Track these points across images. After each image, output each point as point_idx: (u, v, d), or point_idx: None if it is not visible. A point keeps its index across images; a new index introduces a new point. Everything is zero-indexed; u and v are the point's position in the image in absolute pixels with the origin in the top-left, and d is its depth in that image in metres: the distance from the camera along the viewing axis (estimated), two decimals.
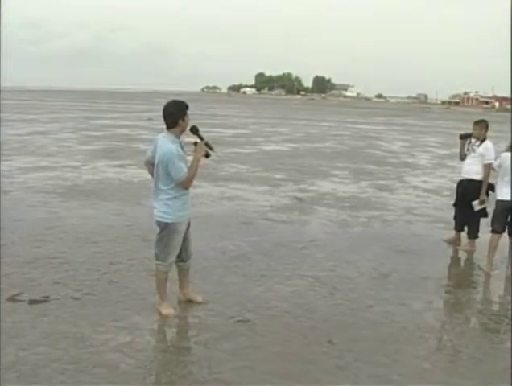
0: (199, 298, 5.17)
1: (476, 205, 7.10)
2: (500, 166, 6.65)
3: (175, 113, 4.68)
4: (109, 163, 13.85)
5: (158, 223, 4.82)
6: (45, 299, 5.08)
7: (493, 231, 6.62)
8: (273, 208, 9.37)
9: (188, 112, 4.78)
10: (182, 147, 4.75)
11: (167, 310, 4.89)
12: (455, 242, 7.59)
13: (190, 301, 5.14)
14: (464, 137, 7.56)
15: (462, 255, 7.31)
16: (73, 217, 8.12)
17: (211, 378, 3.90)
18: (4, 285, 5.34)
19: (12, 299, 5.05)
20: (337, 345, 4.48)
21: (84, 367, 3.93)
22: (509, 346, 4.56)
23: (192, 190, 10.70)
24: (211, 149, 4.83)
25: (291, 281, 5.88)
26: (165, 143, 4.65)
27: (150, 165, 4.88)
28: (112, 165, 13.60)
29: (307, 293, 5.58)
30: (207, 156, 4.80)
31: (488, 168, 7.06)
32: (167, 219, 4.74)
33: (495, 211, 6.65)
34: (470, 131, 7.52)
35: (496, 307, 5.59)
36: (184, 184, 4.70)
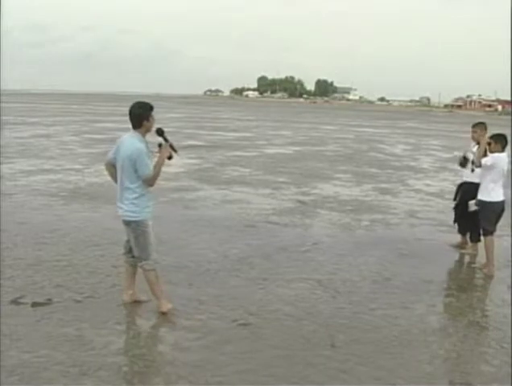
0: (143, 297, 5.16)
1: (472, 205, 7.07)
2: (493, 166, 6.52)
3: (140, 114, 4.81)
4: None
5: (128, 223, 4.86)
6: (48, 302, 5.09)
7: (488, 233, 6.63)
8: (275, 211, 9.37)
9: (153, 112, 4.89)
10: (147, 147, 4.83)
11: (166, 305, 4.93)
12: (462, 246, 7.54)
13: (136, 302, 5.14)
14: (464, 165, 7.45)
15: (465, 258, 7.29)
16: (76, 220, 8.13)
17: (213, 381, 3.90)
18: (7, 288, 5.35)
19: (15, 302, 5.06)
20: (340, 348, 4.47)
21: (86, 370, 3.93)
22: None
23: (194, 193, 10.72)
24: (175, 151, 4.96)
25: (293, 284, 5.88)
26: (133, 143, 4.75)
27: (111, 167, 4.97)
28: None
29: (309, 296, 5.57)
30: (169, 158, 4.92)
31: None
32: (136, 217, 4.80)
33: (487, 213, 6.64)
34: (468, 153, 7.41)
35: (499, 310, 5.56)
36: (150, 181, 4.79)
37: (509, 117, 43.84)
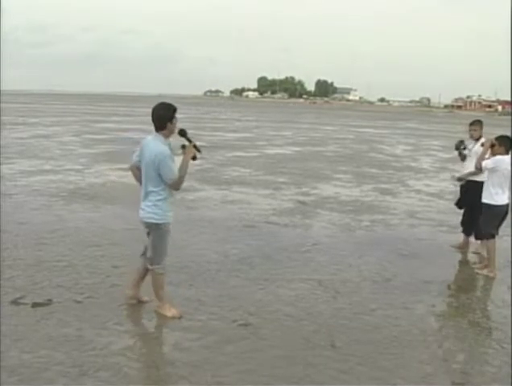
0: (145, 298, 5.16)
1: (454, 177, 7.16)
2: (494, 169, 6.47)
3: (164, 116, 4.72)
4: (112, 166, 13.87)
5: (149, 225, 4.82)
6: (48, 302, 5.08)
7: (490, 236, 6.60)
8: (276, 212, 9.37)
9: (178, 115, 4.80)
10: (171, 149, 4.78)
11: (171, 311, 4.90)
12: (463, 247, 7.52)
13: (139, 302, 5.13)
14: (458, 147, 7.54)
15: (465, 259, 7.29)
16: (76, 220, 8.13)
17: (214, 381, 3.90)
18: (7, 288, 5.35)
19: (15, 302, 5.06)
20: (340, 349, 4.47)
21: (86, 371, 3.93)
22: None
23: (195, 194, 10.70)
24: (199, 151, 4.86)
25: (293, 284, 5.88)
26: (156, 145, 4.68)
27: (136, 169, 4.93)
28: (115, 168, 13.61)
29: (309, 296, 5.57)
30: (193, 158, 4.82)
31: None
32: (158, 219, 4.76)
33: (490, 216, 6.59)
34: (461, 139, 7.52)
35: (499, 311, 5.56)
36: (176, 185, 4.72)
37: (510, 118, 43.83)
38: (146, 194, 4.78)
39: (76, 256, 6.45)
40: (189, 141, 4.82)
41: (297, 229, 8.28)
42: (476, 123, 7.48)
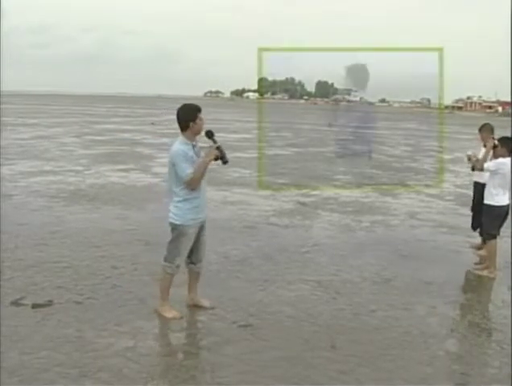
0: (206, 303, 5.16)
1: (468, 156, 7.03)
2: (496, 171, 6.47)
3: (184, 116, 4.80)
4: (112, 168, 13.87)
5: (170, 225, 4.91)
6: (48, 303, 5.09)
7: (491, 237, 6.60)
8: (276, 213, 9.37)
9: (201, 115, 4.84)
10: (195, 150, 4.82)
11: (171, 312, 4.90)
12: (481, 247, 7.44)
13: (196, 306, 5.13)
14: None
15: (465, 259, 7.28)
16: (76, 221, 8.13)
17: (214, 382, 3.90)
18: (7, 289, 5.35)
19: (15, 303, 5.06)
20: (340, 350, 4.47)
21: (87, 372, 3.93)
22: None
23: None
24: (223, 154, 4.86)
25: (293, 285, 5.88)
26: (175, 145, 4.80)
27: None
28: (115, 169, 13.62)
29: (310, 297, 5.57)
30: (216, 159, 4.85)
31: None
32: (176, 220, 4.84)
33: (491, 217, 6.59)
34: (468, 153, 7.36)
35: (499, 311, 5.56)
36: (188, 184, 4.75)
37: (510, 118, 43.79)
38: (171, 194, 4.89)
39: (77, 257, 6.45)
40: (214, 142, 4.87)
41: (297, 230, 8.29)
42: (481, 128, 7.32)
